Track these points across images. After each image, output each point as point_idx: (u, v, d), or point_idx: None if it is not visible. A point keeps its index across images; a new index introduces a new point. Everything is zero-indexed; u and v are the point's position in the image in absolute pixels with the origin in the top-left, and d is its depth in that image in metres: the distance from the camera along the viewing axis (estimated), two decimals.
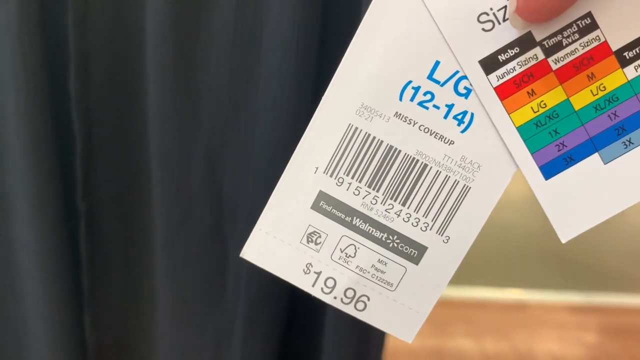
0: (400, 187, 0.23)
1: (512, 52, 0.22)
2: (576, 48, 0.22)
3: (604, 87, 0.22)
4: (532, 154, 0.23)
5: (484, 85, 0.22)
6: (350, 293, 0.24)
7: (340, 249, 0.24)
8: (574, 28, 0.22)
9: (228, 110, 0.37)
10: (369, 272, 0.24)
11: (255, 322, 0.43)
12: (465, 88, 0.22)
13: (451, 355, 1.23)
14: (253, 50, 0.36)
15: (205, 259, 0.42)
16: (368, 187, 0.23)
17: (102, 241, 0.42)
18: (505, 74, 0.22)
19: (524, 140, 0.22)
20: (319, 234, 0.24)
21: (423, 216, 0.23)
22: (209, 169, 0.39)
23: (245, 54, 0.36)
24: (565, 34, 0.22)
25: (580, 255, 1.49)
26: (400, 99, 0.23)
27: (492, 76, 0.22)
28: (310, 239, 0.24)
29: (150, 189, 0.40)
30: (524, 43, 0.22)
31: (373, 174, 0.23)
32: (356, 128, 0.23)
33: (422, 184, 0.23)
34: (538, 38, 0.22)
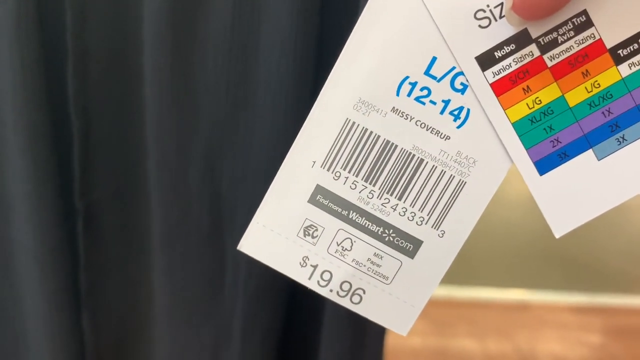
0: (396, 181, 0.24)
1: (508, 49, 0.22)
2: (571, 45, 0.22)
3: (599, 84, 0.22)
4: (527, 149, 0.23)
5: (480, 81, 0.22)
6: (346, 286, 0.24)
7: (337, 243, 0.24)
8: (570, 25, 0.22)
9: (226, 109, 0.37)
10: (364, 266, 0.24)
11: (253, 320, 0.44)
12: (462, 84, 0.23)
13: (453, 355, 1.23)
14: (251, 49, 0.36)
15: (204, 258, 0.42)
16: (365, 181, 0.24)
17: (100, 240, 0.42)
18: (501, 71, 0.22)
19: (519, 136, 0.23)
20: (315, 227, 0.24)
21: (419, 210, 0.24)
22: (207, 169, 0.39)
23: (243, 52, 0.36)
24: (561, 31, 0.22)
25: (583, 255, 1.49)
26: (397, 94, 0.23)
27: (488, 72, 0.22)
28: (307, 233, 0.24)
29: (148, 188, 0.40)
30: (520, 40, 0.22)
31: (370, 168, 0.24)
32: (353, 123, 0.23)
33: (418, 178, 0.23)
34: (534, 35, 0.22)
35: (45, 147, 0.38)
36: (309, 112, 0.34)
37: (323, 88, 0.23)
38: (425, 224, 0.24)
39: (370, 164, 0.24)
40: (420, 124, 0.23)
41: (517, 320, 1.37)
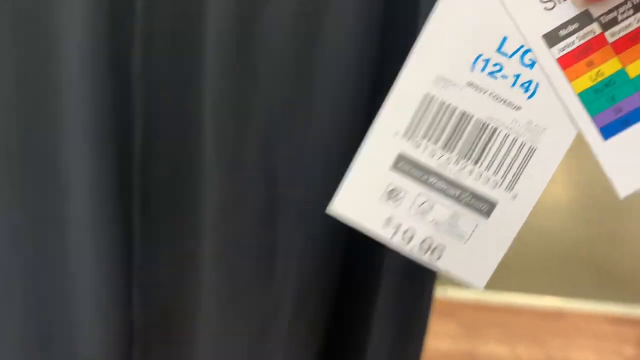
0: (472, 148, 0.26)
1: (572, 28, 0.25)
2: (630, 22, 0.25)
3: None
4: (591, 117, 0.25)
5: (547, 57, 0.25)
6: (425, 244, 0.27)
7: (417, 205, 0.27)
8: (629, 4, 0.24)
9: (287, 93, 0.38)
10: (443, 226, 0.27)
11: (302, 305, 0.44)
12: (530, 60, 0.25)
13: (483, 359, 1.23)
14: (315, 32, 0.37)
15: (255, 240, 0.42)
16: (443, 149, 0.26)
17: (155, 218, 0.42)
18: (565, 47, 0.25)
19: (584, 105, 0.25)
20: (398, 191, 0.27)
21: (493, 174, 0.26)
22: (265, 152, 0.40)
23: (307, 35, 0.37)
24: (621, 10, 0.24)
25: (620, 265, 1.47)
26: (472, 70, 0.26)
27: (554, 49, 0.25)
28: (390, 196, 0.27)
29: (205, 168, 0.41)
30: (583, 19, 0.25)
31: (448, 137, 0.26)
32: (433, 96, 0.26)
33: (492, 145, 0.26)
34: (595, 15, 0.25)
35: (107, 122, 0.38)
36: (369, 95, 0.36)
37: (404, 64, 0.26)
38: (499, 187, 0.26)
39: (448, 133, 0.26)
40: (494, 96, 0.26)
41: (551, 327, 1.36)
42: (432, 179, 0.26)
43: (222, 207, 0.41)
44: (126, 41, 0.37)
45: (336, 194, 0.27)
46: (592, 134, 0.25)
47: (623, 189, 0.25)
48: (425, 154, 0.26)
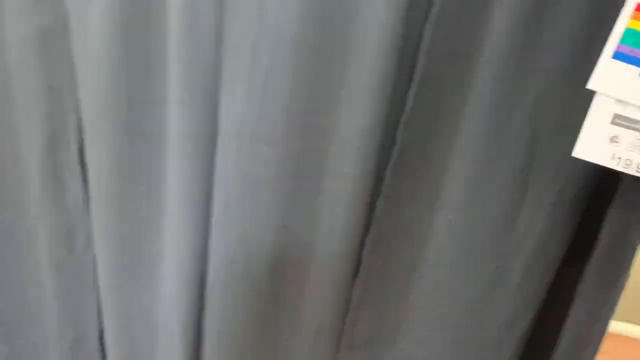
0: None
1: None
2: None
3: None
4: (619, 43, 0.41)
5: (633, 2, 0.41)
6: (638, 166, 0.43)
7: (631, 143, 0.43)
8: None
9: (563, 69, 0.43)
10: None
11: (535, 259, 0.48)
12: None
13: None
14: (600, 31, 0.41)
15: (505, 195, 0.46)
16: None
17: (406, 170, 0.44)
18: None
19: (623, 34, 0.41)
20: (617, 137, 0.43)
21: None
22: (532, 117, 0.43)
23: (592, 18, 0.41)
24: None
25: None
26: None
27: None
28: (612, 141, 0.43)
29: (467, 128, 0.43)
30: None
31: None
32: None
33: None
34: None
35: (386, 84, 0.40)
36: None
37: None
38: None
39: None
40: None
41: None
42: (636, 125, 0.43)
43: (480, 163, 0.44)
44: (420, 19, 0.39)
45: (577, 142, 0.43)
46: (611, 50, 0.42)
47: (591, 85, 0.43)
48: (630, 111, 0.43)
